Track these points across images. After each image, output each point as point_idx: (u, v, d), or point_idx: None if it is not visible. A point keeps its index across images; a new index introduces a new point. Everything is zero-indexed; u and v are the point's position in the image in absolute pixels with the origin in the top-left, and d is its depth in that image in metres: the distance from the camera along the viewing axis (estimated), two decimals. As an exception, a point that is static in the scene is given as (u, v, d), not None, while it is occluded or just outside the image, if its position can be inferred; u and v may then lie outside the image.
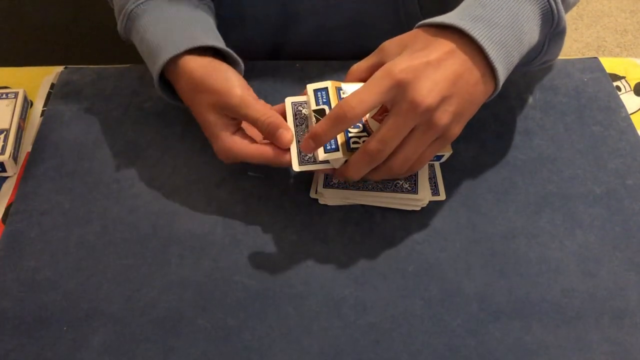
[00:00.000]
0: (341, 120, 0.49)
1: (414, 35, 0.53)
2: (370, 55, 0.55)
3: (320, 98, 0.55)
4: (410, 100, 0.48)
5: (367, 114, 0.50)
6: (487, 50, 0.50)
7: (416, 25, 0.54)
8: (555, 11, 0.53)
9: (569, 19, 2.08)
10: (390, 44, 0.54)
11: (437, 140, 0.51)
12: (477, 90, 0.51)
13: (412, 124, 0.49)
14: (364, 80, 0.54)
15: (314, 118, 0.54)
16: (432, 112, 0.48)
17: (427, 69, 0.49)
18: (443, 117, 0.49)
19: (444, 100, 0.49)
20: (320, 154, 0.53)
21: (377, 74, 0.49)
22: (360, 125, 0.54)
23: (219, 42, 0.60)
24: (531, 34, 0.53)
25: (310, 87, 0.56)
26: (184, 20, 0.62)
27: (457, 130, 0.51)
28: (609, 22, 2.07)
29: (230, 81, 0.56)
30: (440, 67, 0.49)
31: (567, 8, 0.58)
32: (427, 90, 0.48)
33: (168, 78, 0.61)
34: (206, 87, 0.56)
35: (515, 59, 0.53)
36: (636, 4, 2.13)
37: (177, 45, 0.58)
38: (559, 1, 0.53)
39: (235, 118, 0.57)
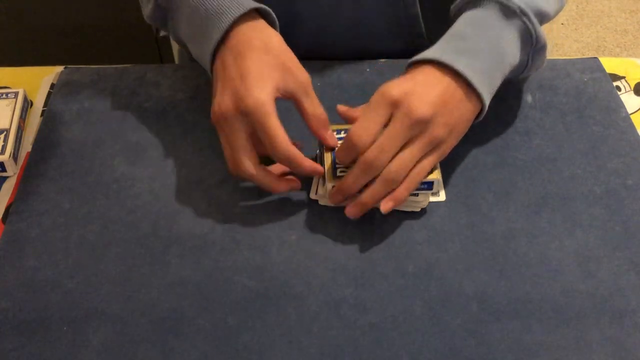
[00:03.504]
0: (353, 149, 0.52)
1: (402, 74, 0.56)
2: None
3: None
4: (406, 113, 0.51)
5: (375, 140, 0.52)
6: (470, 79, 0.54)
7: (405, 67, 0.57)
8: (533, 31, 0.57)
9: (569, 18, 2.08)
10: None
11: (434, 151, 0.54)
12: (465, 106, 0.55)
13: (408, 134, 0.52)
14: (353, 117, 0.57)
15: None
16: (426, 124, 0.52)
17: (416, 88, 0.53)
18: (438, 129, 0.53)
19: (436, 114, 0.52)
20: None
21: (373, 99, 0.53)
22: None
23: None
24: (512, 55, 0.57)
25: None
26: None
27: (452, 142, 0.55)
28: (609, 22, 2.07)
29: (300, 64, 0.57)
30: (429, 87, 0.53)
31: (548, 20, 0.60)
32: (421, 103, 0.52)
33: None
34: (283, 54, 0.56)
35: (498, 80, 0.57)
36: (636, 4, 2.13)
37: (247, 4, 0.57)
38: (534, 21, 0.56)
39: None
